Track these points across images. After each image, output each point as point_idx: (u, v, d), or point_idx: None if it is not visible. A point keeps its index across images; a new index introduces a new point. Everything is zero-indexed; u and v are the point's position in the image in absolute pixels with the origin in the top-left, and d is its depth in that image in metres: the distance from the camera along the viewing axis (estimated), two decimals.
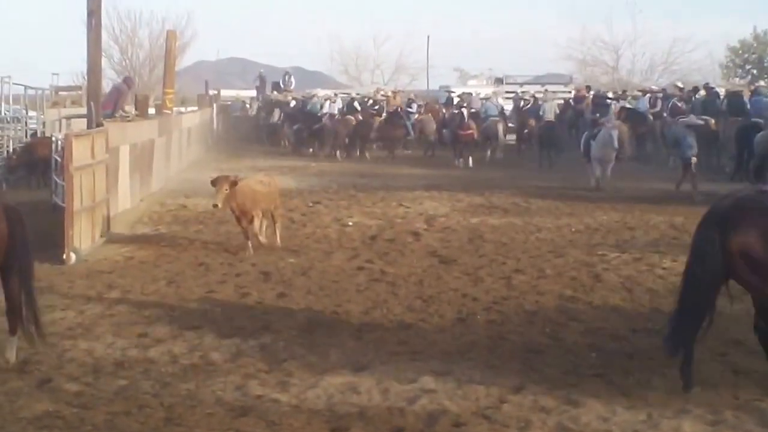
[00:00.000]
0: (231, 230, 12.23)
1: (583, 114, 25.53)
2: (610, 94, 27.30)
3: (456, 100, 28.69)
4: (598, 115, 18.96)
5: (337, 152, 24.85)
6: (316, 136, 25.78)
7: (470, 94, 29.23)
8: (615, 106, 22.79)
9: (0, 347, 6.27)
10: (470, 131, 22.73)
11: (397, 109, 26.52)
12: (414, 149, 26.11)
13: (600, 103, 20.55)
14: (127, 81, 17.61)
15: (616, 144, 16.76)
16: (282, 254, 10.59)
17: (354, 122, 25.29)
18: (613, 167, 17.31)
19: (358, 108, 26.79)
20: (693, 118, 17.06)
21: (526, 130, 24.46)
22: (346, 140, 25.02)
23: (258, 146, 28.11)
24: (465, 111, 23.64)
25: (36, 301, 6.34)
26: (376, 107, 27.47)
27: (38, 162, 16.49)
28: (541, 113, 23.82)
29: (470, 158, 22.59)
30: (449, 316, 7.79)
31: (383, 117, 26.02)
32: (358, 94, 31.81)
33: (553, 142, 22.08)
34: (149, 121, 16.82)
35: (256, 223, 10.70)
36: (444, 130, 25.15)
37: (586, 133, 18.13)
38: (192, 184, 17.64)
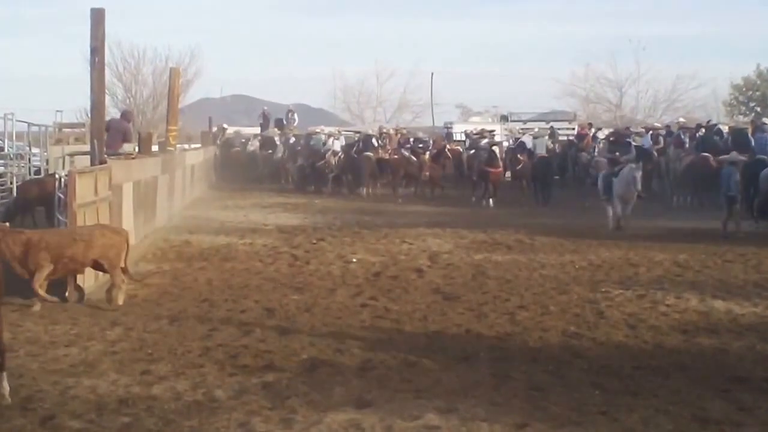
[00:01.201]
0: (235, 267, 12.27)
1: (584, 151, 25.70)
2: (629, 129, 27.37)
3: (457, 136, 28.53)
4: (617, 153, 18.24)
5: (365, 190, 24.68)
6: (350, 171, 25.58)
7: (492, 131, 28.41)
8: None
9: None
10: (500, 169, 22.29)
11: (444, 147, 25.81)
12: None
13: (620, 140, 20.08)
14: (127, 116, 17.57)
15: (639, 184, 16.37)
16: (286, 291, 10.59)
17: (372, 159, 25.15)
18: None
19: (376, 144, 26.30)
20: (735, 155, 16.73)
21: (518, 167, 24.01)
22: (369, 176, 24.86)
23: (260, 183, 28.20)
24: (497, 149, 22.78)
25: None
26: (421, 145, 27.04)
27: (32, 202, 16.51)
28: (533, 149, 24.09)
29: (491, 200, 21.99)
30: (453, 354, 7.77)
31: (430, 154, 25.32)
32: (358, 132, 31.96)
33: (546, 177, 22.60)
34: (153, 159, 16.91)
35: (38, 275, 9.40)
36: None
37: (604, 171, 17.72)
38: (196, 221, 17.73)
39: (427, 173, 24.43)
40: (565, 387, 6.79)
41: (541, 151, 23.42)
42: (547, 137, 26.03)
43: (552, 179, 23.30)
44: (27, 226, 16.15)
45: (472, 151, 25.46)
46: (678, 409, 6.26)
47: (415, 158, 24.94)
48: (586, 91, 49.83)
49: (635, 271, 12.14)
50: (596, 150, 24.88)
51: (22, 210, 16.49)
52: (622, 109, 49.55)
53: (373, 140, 26.51)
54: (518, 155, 23.68)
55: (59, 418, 5.93)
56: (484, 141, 24.10)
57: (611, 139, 21.66)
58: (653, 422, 5.97)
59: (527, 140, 25.58)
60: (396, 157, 25.37)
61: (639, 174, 16.45)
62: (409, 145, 26.92)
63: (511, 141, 27.22)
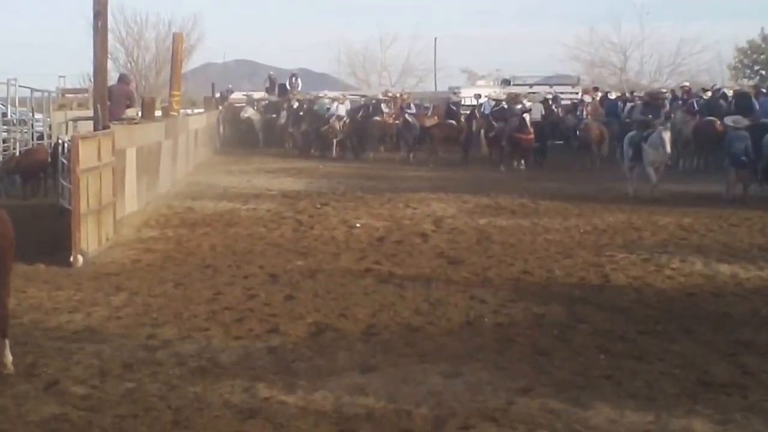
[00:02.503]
0: (239, 232, 12.24)
1: (570, 113, 25.63)
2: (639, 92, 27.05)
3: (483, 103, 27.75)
4: (650, 116, 17.43)
5: (371, 153, 24.72)
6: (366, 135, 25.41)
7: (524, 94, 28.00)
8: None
9: None
10: (531, 136, 21.76)
11: (473, 110, 25.22)
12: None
13: (654, 103, 19.32)
14: (126, 79, 17.34)
15: (668, 147, 15.80)
16: (290, 256, 10.57)
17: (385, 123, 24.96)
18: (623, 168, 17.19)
19: (385, 110, 26.07)
20: (740, 119, 16.43)
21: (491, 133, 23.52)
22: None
23: (264, 148, 28.13)
24: (528, 116, 22.11)
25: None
26: (413, 110, 26.78)
27: (33, 169, 16.49)
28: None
29: (523, 161, 21.97)
30: (457, 319, 7.75)
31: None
32: (364, 96, 31.78)
33: (540, 141, 22.78)
34: (156, 124, 16.83)
35: None
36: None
37: (631, 133, 17.07)
38: (199, 187, 17.69)
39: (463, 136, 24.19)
40: (570, 351, 6.78)
41: (536, 116, 23.43)
42: (540, 103, 26.11)
43: (546, 143, 23.34)
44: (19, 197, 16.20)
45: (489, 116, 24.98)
46: (683, 372, 6.25)
47: (455, 123, 24.53)
48: (590, 55, 49.47)
49: (640, 235, 12.10)
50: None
51: (23, 177, 16.48)
52: (627, 73, 49.20)
53: (383, 105, 26.34)
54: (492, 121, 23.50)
55: (63, 383, 5.93)
56: (518, 106, 23.43)
57: (645, 100, 20.72)
58: (658, 386, 5.96)
59: (534, 107, 25.32)
60: (436, 122, 25.09)
61: (668, 135, 15.83)
62: (410, 110, 26.70)
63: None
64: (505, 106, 24.17)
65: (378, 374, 6.19)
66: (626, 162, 16.72)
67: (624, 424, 5.30)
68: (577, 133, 23.15)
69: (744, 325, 7.58)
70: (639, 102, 22.72)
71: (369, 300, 8.38)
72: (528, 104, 24.38)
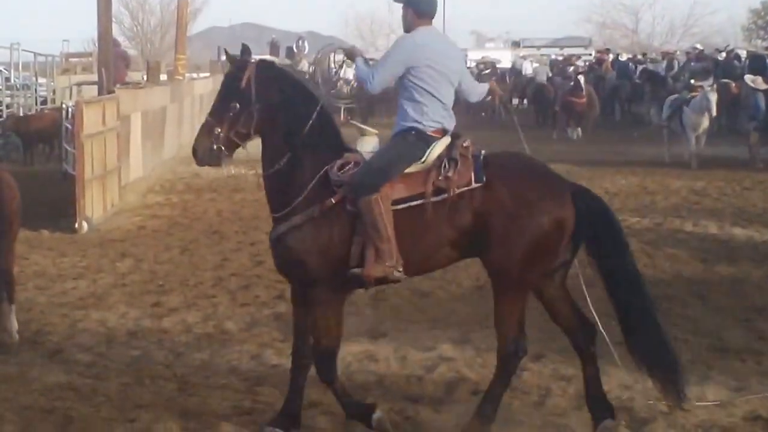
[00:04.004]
0: (245, 198, 12.14)
1: (604, 78, 25.22)
2: (627, 56, 26.83)
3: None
4: (692, 81, 16.63)
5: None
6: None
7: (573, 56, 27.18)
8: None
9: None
10: (584, 99, 20.36)
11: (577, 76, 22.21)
12: None
13: (695, 66, 18.47)
14: (115, 42, 17.15)
15: (714, 110, 14.86)
16: None
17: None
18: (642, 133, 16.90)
19: None
20: (760, 81, 15.90)
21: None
22: None
23: None
24: (582, 77, 20.84)
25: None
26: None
27: (34, 136, 16.35)
28: (533, 76, 24.40)
29: (579, 129, 20.51)
30: (467, 284, 7.66)
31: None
32: (372, 59, 31.49)
33: (545, 103, 22.76)
34: (161, 88, 16.66)
35: None
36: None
37: (674, 96, 16.43)
38: None
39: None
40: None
41: (542, 78, 23.18)
42: (547, 65, 25.91)
43: (549, 104, 23.15)
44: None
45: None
46: (696, 338, 6.17)
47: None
48: (602, 17, 49.00)
49: (652, 199, 11.98)
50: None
51: (25, 143, 16.36)
52: (639, 35, 48.75)
53: None
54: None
55: (68, 351, 5.88)
56: (571, 68, 22.70)
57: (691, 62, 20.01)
58: None
59: (527, 66, 25.28)
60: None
61: (714, 98, 14.94)
62: None
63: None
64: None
65: (388, 340, 6.12)
66: (662, 122, 16.11)
67: (637, 390, 5.22)
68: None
69: (758, 290, 7.49)
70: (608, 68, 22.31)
71: None
72: (535, 65, 24.21)
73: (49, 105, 19.78)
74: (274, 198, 4.60)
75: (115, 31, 23.10)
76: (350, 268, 4.42)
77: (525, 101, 27.09)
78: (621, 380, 5.37)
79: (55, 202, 10.97)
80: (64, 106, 15.34)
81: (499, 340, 4.59)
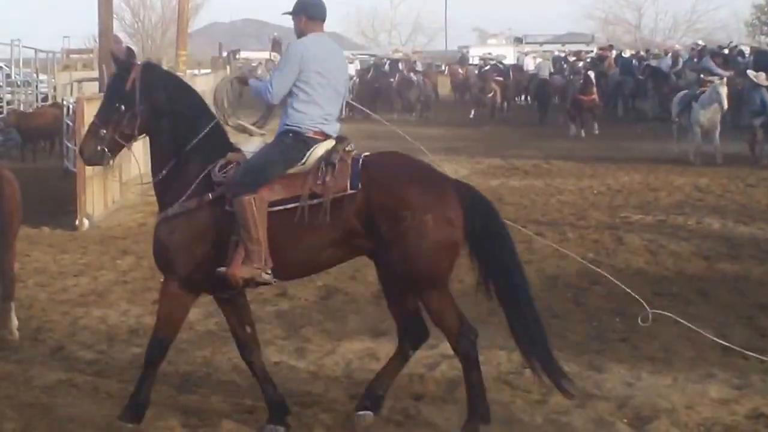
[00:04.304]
0: None
1: (606, 74, 25.18)
2: (629, 53, 26.79)
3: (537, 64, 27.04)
4: (701, 76, 16.10)
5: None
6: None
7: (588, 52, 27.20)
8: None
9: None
10: (593, 96, 20.02)
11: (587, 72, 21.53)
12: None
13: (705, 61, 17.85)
14: (117, 39, 17.18)
15: (725, 103, 14.47)
16: None
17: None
18: (643, 128, 16.84)
19: (413, 71, 25.68)
20: (763, 77, 15.28)
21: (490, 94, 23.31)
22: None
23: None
24: (592, 74, 20.44)
25: None
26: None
27: (34, 132, 16.32)
28: (536, 71, 24.65)
29: (596, 125, 20.18)
30: (470, 280, 7.60)
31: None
32: (373, 56, 31.51)
33: (546, 98, 22.86)
34: None
35: None
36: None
37: (683, 93, 16.13)
38: None
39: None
40: (585, 314, 6.68)
41: (544, 74, 23.23)
42: (550, 60, 26.13)
43: (550, 100, 23.36)
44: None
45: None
46: (699, 336, 6.11)
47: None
48: (605, 13, 48.95)
49: (655, 195, 11.96)
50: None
51: (24, 139, 16.31)
52: (642, 31, 48.69)
53: (400, 64, 26.04)
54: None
55: (69, 348, 5.87)
56: (581, 64, 22.21)
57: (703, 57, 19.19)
58: (674, 349, 5.87)
59: (529, 62, 25.31)
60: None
61: (724, 90, 14.58)
62: (417, 70, 26.47)
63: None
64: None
65: (389, 338, 6.07)
66: (674, 124, 15.82)
67: (640, 387, 5.22)
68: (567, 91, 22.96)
69: (761, 287, 7.47)
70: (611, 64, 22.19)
71: None
72: (537, 61, 24.22)
73: (50, 102, 19.76)
74: (162, 201, 4.67)
75: (116, 28, 23.07)
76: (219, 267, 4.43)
77: (526, 98, 27.12)
78: (623, 377, 5.36)
79: (56, 199, 10.96)
80: (64, 102, 15.31)
81: (447, 338, 4.64)
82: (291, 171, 4.48)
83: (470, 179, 13.45)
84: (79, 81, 17.36)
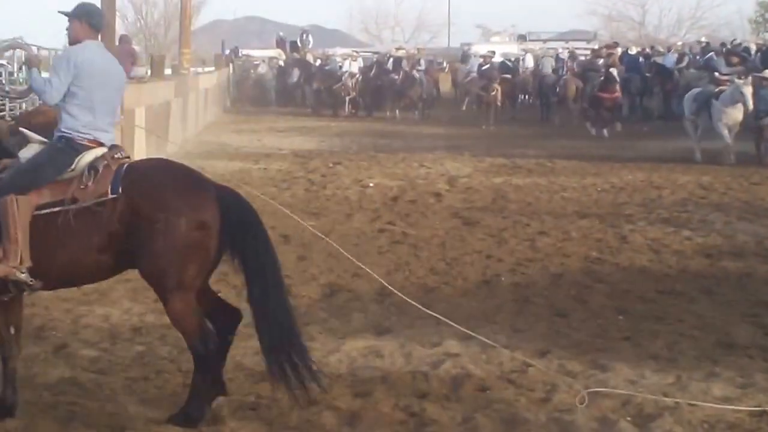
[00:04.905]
0: (250, 193, 12.08)
1: (597, 70, 25.20)
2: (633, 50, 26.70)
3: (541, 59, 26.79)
4: (716, 74, 15.63)
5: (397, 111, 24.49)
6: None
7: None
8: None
9: None
10: (617, 94, 19.50)
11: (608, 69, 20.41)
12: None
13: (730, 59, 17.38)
14: (126, 39, 17.20)
15: (750, 103, 14.14)
16: (302, 216, 10.43)
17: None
18: (649, 127, 16.75)
19: (417, 69, 25.65)
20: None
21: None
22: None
23: (275, 107, 27.91)
24: (614, 71, 19.76)
25: None
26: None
27: (34, 130, 16.30)
28: (540, 68, 24.75)
29: (619, 124, 19.66)
30: (473, 279, 7.63)
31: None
32: (377, 53, 31.48)
33: (548, 96, 22.96)
34: (165, 82, 16.65)
35: None
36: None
37: (698, 90, 15.68)
38: (209, 146, 17.56)
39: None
40: (588, 312, 6.67)
41: (546, 71, 23.32)
42: (552, 57, 26.07)
43: (553, 97, 23.31)
44: None
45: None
46: (703, 334, 6.14)
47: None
48: (608, 9, 48.84)
49: (659, 193, 11.96)
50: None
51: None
52: (646, 28, 48.59)
53: (403, 62, 26.03)
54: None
55: (72, 346, 5.85)
56: (600, 61, 21.43)
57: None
58: (678, 348, 5.85)
59: (529, 60, 25.34)
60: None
61: (748, 90, 14.24)
62: (420, 68, 26.41)
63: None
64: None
65: (393, 336, 6.09)
66: (687, 121, 15.52)
67: (643, 386, 5.20)
68: (557, 89, 22.90)
69: (765, 285, 7.45)
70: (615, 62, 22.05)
71: (383, 260, 8.26)
72: (542, 59, 24.21)
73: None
74: None
75: (119, 25, 23.11)
76: None
77: (527, 96, 27.05)
78: (627, 376, 5.35)
79: None
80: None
81: (186, 341, 4.69)
82: (63, 176, 4.60)
83: (473, 177, 13.50)
84: None
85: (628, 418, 4.75)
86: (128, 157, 4.83)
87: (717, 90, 14.97)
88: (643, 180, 13.05)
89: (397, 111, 24.71)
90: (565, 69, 24.81)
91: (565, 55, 27.67)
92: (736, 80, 14.72)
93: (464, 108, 25.83)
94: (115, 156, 4.70)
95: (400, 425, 4.68)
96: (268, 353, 4.68)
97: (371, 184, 12.82)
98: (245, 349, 5.80)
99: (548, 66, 24.59)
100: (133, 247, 4.53)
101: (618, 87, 19.54)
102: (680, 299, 7.00)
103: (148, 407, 4.83)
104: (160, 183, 4.64)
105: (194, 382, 4.68)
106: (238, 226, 4.62)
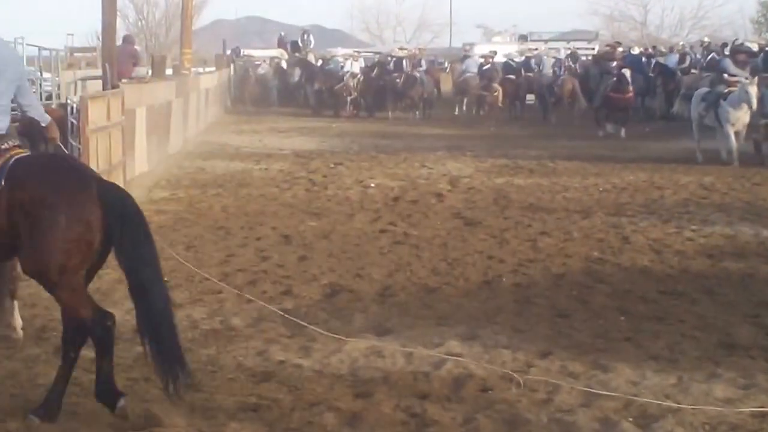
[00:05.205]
0: (251, 193, 12.11)
1: (609, 71, 25.13)
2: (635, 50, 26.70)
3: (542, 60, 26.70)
4: (725, 75, 15.23)
5: (417, 112, 24.47)
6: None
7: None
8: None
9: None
10: (630, 94, 19.35)
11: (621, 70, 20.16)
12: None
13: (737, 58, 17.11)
14: (130, 39, 17.26)
15: (754, 103, 14.07)
16: (303, 217, 10.44)
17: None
18: (651, 127, 16.74)
19: (419, 69, 25.73)
20: None
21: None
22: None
23: (276, 107, 27.92)
24: (627, 72, 19.52)
25: None
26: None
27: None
28: (541, 68, 24.78)
29: (623, 129, 19.30)
30: (475, 280, 7.62)
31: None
32: (378, 53, 31.47)
33: (546, 94, 23.06)
34: (166, 83, 16.64)
35: None
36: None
37: (705, 90, 15.53)
38: (210, 147, 17.56)
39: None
40: (590, 313, 6.65)
41: (547, 71, 23.47)
42: (552, 58, 26.25)
43: (550, 98, 23.44)
44: None
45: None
46: (705, 335, 6.12)
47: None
48: (610, 9, 48.82)
49: (660, 194, 11.95)
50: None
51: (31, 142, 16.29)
52: (647, 27, 48.57)
53: (404, 62, 26.05)
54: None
55: None
56: (614, 63, 21.14)
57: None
58: (679, 348, 5.83)
59: (546, 62, 25.34)
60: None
61: (754, 90, 14.13)
62: (421, 67, 26.44)
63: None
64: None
65: (394, 336, 6.08)
66: (694, 121, 15.37)
67: (645, 386, 5.18)
68: (554, 89, 22.97)
69: (767, 286, 7.43)
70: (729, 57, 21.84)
71: (384, 260, 8.26)
72: (544, 59, 24.22)
73: (54, 100, 19.74)
74: None
75: (120, 25, 23.08)
76: None
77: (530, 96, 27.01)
78: (628, 376, 5.34)
79: None
80: (68, 101, 15.31)
81: (76, 329, 4.84)
82: None
83: (475, 178, 13.50)
84: (83, 79, 17.36)
85: (630, 419, 4.74)
86: (19, 147, 4.77)
87: (726, 91, 14.86)
88: (644, 180, 13.05)
89: (398, 111, 24.72)
90: (562, 69, 24.82)
91: (562, 54, 27.71)
92: (743, 81, 14.68)
93: (456, 113, 25.45)
94: (2, 146, 4.68)
95: (402, 426, 4.67)
96: (148, 341, 4.74)
97: (372, 185, 12.82)
98: (246, 349, 5.82)
99: (548, 66, 24.74)
100: (15, 242, 4.54)
101: (631, 88, 19.34)
102: (682, 300, 6.99)
103: (149, 408, 4.81)
104: (43, 178, 4.60)
105: (100, 364, 4.77)
106: (119, 219, 4.62)
